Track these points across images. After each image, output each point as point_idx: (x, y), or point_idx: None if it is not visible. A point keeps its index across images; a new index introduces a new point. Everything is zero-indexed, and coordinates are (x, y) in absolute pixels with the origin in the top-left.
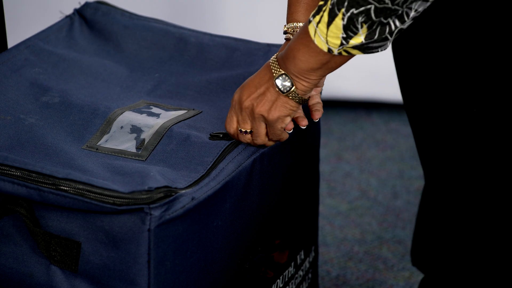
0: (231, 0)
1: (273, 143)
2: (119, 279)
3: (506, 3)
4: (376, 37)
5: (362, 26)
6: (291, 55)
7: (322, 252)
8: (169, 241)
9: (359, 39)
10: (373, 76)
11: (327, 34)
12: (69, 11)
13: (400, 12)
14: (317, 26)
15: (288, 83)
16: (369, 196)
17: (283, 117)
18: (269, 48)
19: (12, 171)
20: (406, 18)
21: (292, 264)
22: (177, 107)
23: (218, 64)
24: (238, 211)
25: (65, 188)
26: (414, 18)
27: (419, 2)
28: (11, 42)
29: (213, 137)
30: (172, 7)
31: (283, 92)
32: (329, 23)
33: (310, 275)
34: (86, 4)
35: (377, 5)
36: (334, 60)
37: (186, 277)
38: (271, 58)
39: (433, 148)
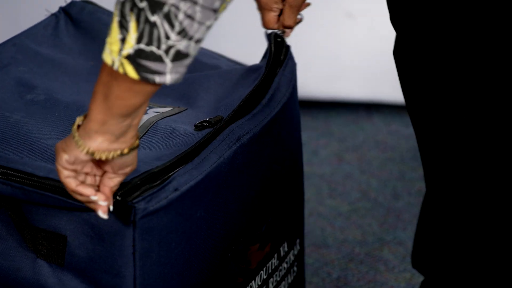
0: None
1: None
2: (105, 271)
3: (508, 4)
4: (146, 41)
5: (130, 18)
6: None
7: (323, 253)
8: (154, 232)
9: (130, 41)
10: (374, 77)
11: (110, 41)
12: (54, 9)
13: (166, 9)
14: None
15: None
16: (370, 197)
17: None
18: (250, 69)
19: None
20: (175, 23)
21: (275, 256)
22: (162, 105)
23: (202, 65)
24: (220, 202)
25: (48, 187)
26: (194, 38)
27: (188, 4)
28: None
29: (198, 127)
30: None
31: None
32: (108, 36)
33: (295, 268)
34: (72, 3)
35: None
36: (116, 83)
37: (171, 268)
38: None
39: (435, 151)
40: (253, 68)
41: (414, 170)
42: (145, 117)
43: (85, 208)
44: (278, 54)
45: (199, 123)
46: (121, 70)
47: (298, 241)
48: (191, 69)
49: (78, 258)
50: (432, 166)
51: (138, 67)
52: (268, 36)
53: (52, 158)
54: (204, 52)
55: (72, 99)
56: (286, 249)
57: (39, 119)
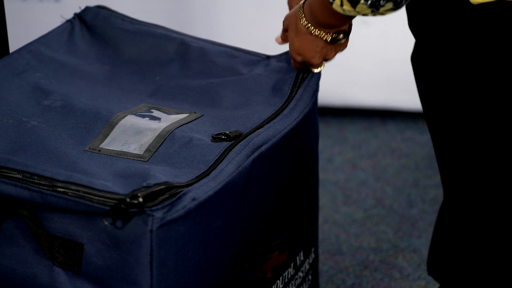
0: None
1: None
2: (121, 280)
3: None
4: None
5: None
6: (318, 18)
7: (338, 260)
8: (171, 242)
9: (389, 5)
10: (388, 84)
11: (356, 11)
12: (69, 15)
13: None
14: (341, 6)
15: (343, 39)
16: (385, 205)
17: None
18: (269, 60)
19: (14, 174)
20: None
21: (292, 265)
22: (178, 110)
23: (218, 69)
24: (238, 212)
25: (67, 191)
26: None
27: None
28: (13, 46)
29: (215, 138)
30: (172, 14)
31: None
32: (354, 6)
33: (310, 277)
34: (86, 8)
35: None
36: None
37: (188, 277)
38: (310, 29)
39: (453, 158)
40: (276, 69)
41: (429, 178)
42: (162, 125)
43: (101, 213)
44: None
45: (217, 135)
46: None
47: (313, 249)
48: (207, 73)
49: (95, 266)
50: (449, 174)
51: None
52: None
53: (70, 166)
54: (220, 50)
55: (89, 105)
56: (302, 258)
57: (56, 125)
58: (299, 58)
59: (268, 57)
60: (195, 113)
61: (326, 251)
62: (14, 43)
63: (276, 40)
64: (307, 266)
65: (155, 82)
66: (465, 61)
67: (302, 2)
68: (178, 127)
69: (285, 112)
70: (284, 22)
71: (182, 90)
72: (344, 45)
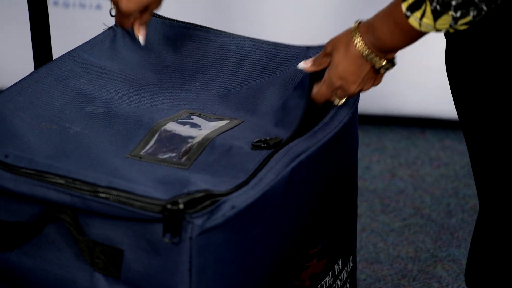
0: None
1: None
2: (160, 286)
3: None
4: (482, 13)
5: (473, 11)
6: (387, 43)
7: (375, 269)
8: (210, 249)
9: (467, 18)
10: (427, 92)
11: (434, 26)
12: (111, 22)
13: None
14: (420, 19)
15: (390, 68)
16: (423, 214)
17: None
18: (308, 51)
19: (56, 179)
20: None
21: (330, 273)
22: (219, 116)
23: (258, 71)
24: (277, 220)
25: (108, 196)
26: None
27: None
28: (56, 52)
29: (254, 146)
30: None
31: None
32: (436, 19)
33: (348, 286)
34: None
35: None
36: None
37: (226, 285)
38: (365, 52)
39: (489, 167)
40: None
41: (468, 187)
42: (202, 133)
43: (141, 219)
44: None
45: (256, 142)
46: (451, 31)
47: (351, 257)
48: (247, 77)
49: (134, 272)
50: (485, 183)
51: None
52: None
53: (111, 173)
54: (259, 49)
55: (130, 112)
56: (340, 266)
57: (98, 132)
58: (338, 83)
59: (308, 48)
60: (235, 119)
61: (363, 259)
62: (57, 50)
63: (304, 65)
64: (345, 275)
65: (196, 88)
66: (499, 61)
67: (357, 22)
68: (218, 135)
69: (325, 120)
70: (327, 46)
71: (222, 95)
72: (380, 80)
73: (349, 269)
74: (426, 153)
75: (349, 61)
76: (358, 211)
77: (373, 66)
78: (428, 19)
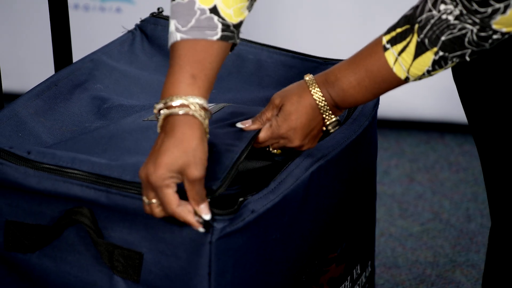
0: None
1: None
2: None
3: None
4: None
5: (452, 62)
6: (349, 95)
7: (394, 274)
8: (230, 253)
9: (441, 70)
10: (446, 96)
11: (411, 65)
12: (130, 26)
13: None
14: (399, 55)
15: (337, 126)
16: (442, 219)
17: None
18: (326, 65)
19: (79, 174)
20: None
21: (349, 278)
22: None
23: (274, 81)
24: (296, 224)
25: (133, 191)
26: None
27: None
28: (76, 55)
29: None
30: None
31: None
32: (417, 56)
33: None
34: (147, 19)
35: (475, 49)
36: (400, 85)
37: None
38: (320, 104)
39: (501, 181)
40: None
41: None
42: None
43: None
44: None
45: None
46: (417, 80)
47: (369, 262)
48: (264, 86)
49: (154, 275)
50: (497, 196)
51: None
52: None
53: (142, 152)
54: (276, 60)
55: (148, 105)
56: (358, 271)
57: (118, 120)
58: (285, 132)
59: (326, 62)
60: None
61: (382, 264)
62: (77, 53)
63: (242, 126)
64: (364, 280)
65: (212, 94)
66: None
67: (310, 75)
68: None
69: (344, 125)
70: (275, 98)
71: (238, 104)
72: (316, 142)
73: (367, 274)
74: (445, 158)
75: (302, 111)
76: (377, 216)
77: (322, 121)
78: (407, 55)
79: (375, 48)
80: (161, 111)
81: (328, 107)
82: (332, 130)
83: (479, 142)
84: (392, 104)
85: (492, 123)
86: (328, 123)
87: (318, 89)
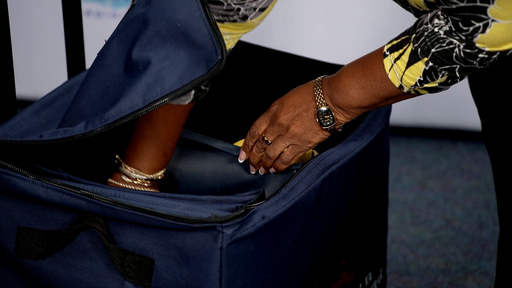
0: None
1: (266, 171)
2: None
3: None
4: (449, 82)
5: (442, 76)
6: (344, 90)
7: (405, 281)
8: (240, 259)
9: (434, 84)
10: (458, 103)
11: (403, 73)
12: None
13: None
14: (394, 62)
15: (330, 120)
16: (454, 226)
17: (313, 143)
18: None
19: (84, 191)
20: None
21: (360, 285)
22: None
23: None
24: (307, 231)
25: (137, 208)
26: None
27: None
28: (88, 61)
29: None
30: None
31: (321, 125)
32: (409, 64)
33: None
34: None
35: (464, 65)
36: (399, 97)
37: None
38: (317, 80)
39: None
40: None
41: None
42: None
43: (172, 228)
44: None
45: None
46: (412, 93)
47: (381, 269)
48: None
49: (165, 281)
50: (507, 202)
51: (431, 91)
52: None
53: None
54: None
55: None
56: (370, 278)
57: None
58: (274, 107)
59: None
60: None
61: (393, 271)
62: (90, 59)
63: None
64: (375, 287)
65: None
66: None
67: (319, 80)
68: None
69: (357, 131)
70: (272, 105)
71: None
72: (309, 155)
73: (379, 281)
74: (457, 165)
75: (295, 90)
76: (388, 223)
77: (314, 109)
78: (402, 63)
79: (376, 54)
80: None
81: (321, 91)
82: (335, 131)
83: (491, 149)
84: (404, 111)
85: (507, 131)
86: (320, 107)
87: (321, 91)
